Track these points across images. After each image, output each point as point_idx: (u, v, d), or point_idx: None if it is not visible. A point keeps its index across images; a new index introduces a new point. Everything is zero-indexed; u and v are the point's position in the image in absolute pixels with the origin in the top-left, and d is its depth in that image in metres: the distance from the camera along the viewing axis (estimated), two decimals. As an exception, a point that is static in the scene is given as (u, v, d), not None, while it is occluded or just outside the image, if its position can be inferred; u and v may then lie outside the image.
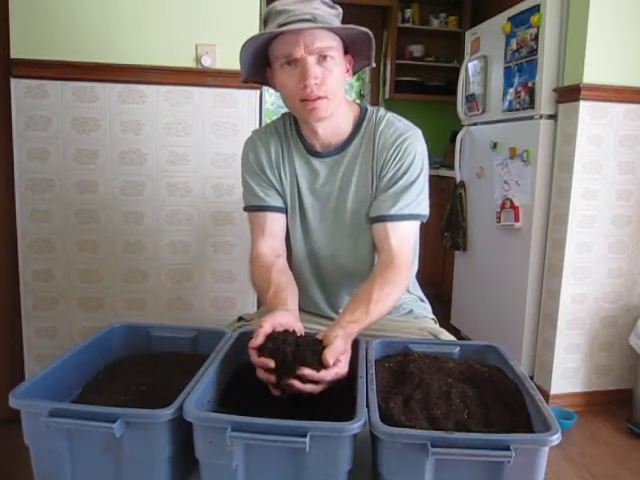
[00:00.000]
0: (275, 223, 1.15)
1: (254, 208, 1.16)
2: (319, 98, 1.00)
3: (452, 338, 1.15)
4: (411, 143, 1.09)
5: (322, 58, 0.99)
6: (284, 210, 1.17)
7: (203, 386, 0.75)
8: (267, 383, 0.79)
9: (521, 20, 2.31)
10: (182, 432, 0.71)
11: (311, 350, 0.80)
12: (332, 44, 1.00)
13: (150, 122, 1.85)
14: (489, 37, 2.61)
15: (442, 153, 3.90)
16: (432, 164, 3.00)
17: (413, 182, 1.08)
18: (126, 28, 1.80)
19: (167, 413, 0.68)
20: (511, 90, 2.39)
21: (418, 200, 1.08)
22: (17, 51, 1.74)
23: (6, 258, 1.86)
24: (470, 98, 2.79)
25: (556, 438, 0.65)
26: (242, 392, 0.84)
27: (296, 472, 0.68)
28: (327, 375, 0.77)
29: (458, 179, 2.89)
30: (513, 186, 2.37)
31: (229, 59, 1.83)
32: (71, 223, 1.87)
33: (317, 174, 1.14)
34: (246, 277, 1.88)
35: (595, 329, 2.19)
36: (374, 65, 1.13)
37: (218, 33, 1.84)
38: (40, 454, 0.74)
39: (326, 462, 0.67)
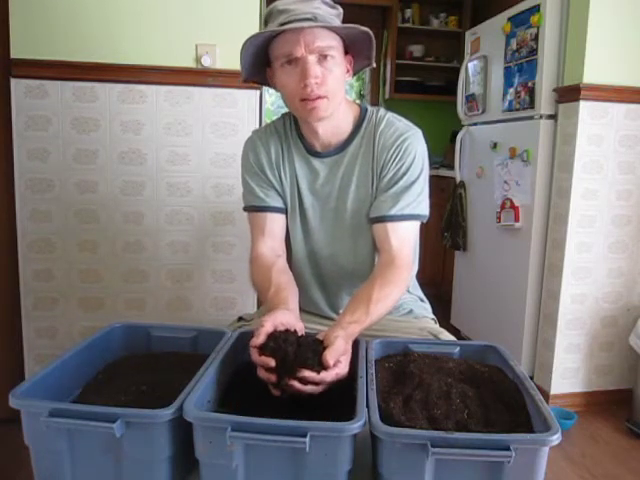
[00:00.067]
0: (275, 223, 1.15)
1: (254, 208, 1.16)
2: (319, 98, 1.00)
3: (452, 338, 1.15)
4: (411, 143, 1.09)
5: (322, 58, 0.99)
6: (284, 210, 1.17)
7: (203, 386, 0.75)
8: (267, 382, 0.79)
9: (521, 20, 2.31)
10: (182, 432, 0.71)
11: (312, 350, 0.80)
12: (333, 44, 1.00)
13: (150, 122, 1.85)
14: (489, 37, 2.61)
15: (442, 153, 3.90)
16: (432, 164, 2.99)
17: (413, 182, 1.08)
18: (126, 28, 1.80)
19: (167, 413, 0.68)
20: (511, 90, 2.39)
21: (418, 200, 1.08)
22: (17, 51, 1.75)
23: (6, 258, 1.86)
24: (470, 98, 2.79)
25: (556, 438, 0.65)
26: (242, 392, 0.84)
27: (296, 472, 0.68)
28: (327, 376, 0.77)
29: (458, 179, 2.89)
30: (513, 186, 2.37)
31: (229, 59, 1.83)
32: (71, 223, 1.87)
33: (317, 174, 1.14)
34: (246, 277, 1.88)
35: (595, 329, 2.19)
36: (374, 65, 1.13)
37: (218, 33, 1.84)
38: (40, 454, 0.74)
39: (326, 462, 0.67)
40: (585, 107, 2.03)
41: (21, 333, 1.90)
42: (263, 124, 2.00)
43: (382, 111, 1.14)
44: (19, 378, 1.86)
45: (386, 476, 0.68)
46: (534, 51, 2.22)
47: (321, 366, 0.78)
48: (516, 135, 2.37)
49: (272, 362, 0.77)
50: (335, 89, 1.02)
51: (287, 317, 0.87)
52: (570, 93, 2.08)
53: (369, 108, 1.15)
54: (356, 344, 0.90)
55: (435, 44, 4.11)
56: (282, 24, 0.97)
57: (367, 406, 0.71)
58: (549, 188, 2.24)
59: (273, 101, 4.61)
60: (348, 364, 0.82)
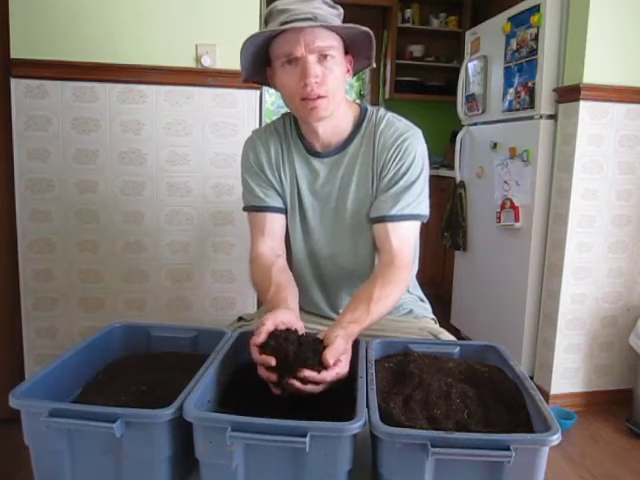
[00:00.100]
0: (275, 223, 1.15)
1: (254, 208, 1.16)
2: (319, 97, 1.00)
3: (452, 338, 1.15)
4: (411, 143, 1.09)
5: (323, 57, 0.99)
6: (284, 210, 1.17)
7: (203, 386, 0.75)
8: (267, 382, 0.79)
9: (521, 20, 2.31)
10: (182, 432, 0.71)
11: (312, 350, 0.80)
12: (333, 43, 1.00)
13: (150, 122, 1.85)
14: (489, 37, 2.61)
15: (442, 153, 3.90)
16: (432, 164, 2.98)
17: (413, 182, 1.08)
18: (126, 28, 1.80)
19: (167, 413, 0.68)
20: (511, 90, 2.39)
21: (418, 200, 1.08)
22: (17, 51, 1.74)
23: (6, 258, 1.86)
24: (470, 98, 2.79)
25: (556, 438, 0.65)
26: (242, 392, 0.84)
27: (296, 472, 0.68)
28: (328, 376, 0.77)
29: (458, 179, 2.89)
30: (513, 186, 2.37)
31: (229, 59, 1.83)
32: (71, 223, 1.87)
33: (317, 174, 1.14)
34: (246, 277, 1.88)
35: (595, 329, 2.19)
36: (374, 66, 1.13)
37: (218, 33, 1.84)
38: (40, 454, 0.74)
39: (326, 462, 0.67)
40: (585, 107, 2.03)
41: (21, 333, 1.90)
42: (263, 124, 2.00)
43: (382, 111, 1.14)
44: (19, 378, 1.86)
45: (386, 476, 0.68)
46: (534, 51, 2.22)
47: (321, 365, 0.78)
48: (516, 135, 2.37)
49: (273, 361, 0.77)
50: (335, 89, 1.02)
51: (288, 316, 0.87)
52: (570, 93, 2.08)
53: (369, 108, 1.15)
54: (356, 344, 0.90)
55: (435, 44, 4.11)
56: (282, 24, 0.97)
57: (367, 406, 0.71)
58: (549, 188, 2.24)
59: (273, 101, 4.61)
60: (348, 363, 0.82)
